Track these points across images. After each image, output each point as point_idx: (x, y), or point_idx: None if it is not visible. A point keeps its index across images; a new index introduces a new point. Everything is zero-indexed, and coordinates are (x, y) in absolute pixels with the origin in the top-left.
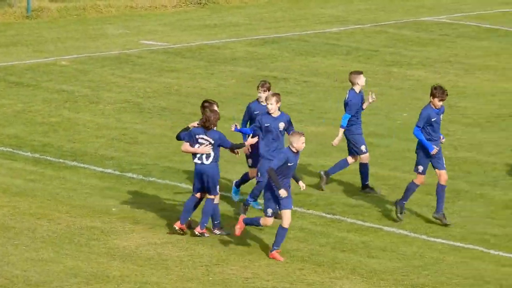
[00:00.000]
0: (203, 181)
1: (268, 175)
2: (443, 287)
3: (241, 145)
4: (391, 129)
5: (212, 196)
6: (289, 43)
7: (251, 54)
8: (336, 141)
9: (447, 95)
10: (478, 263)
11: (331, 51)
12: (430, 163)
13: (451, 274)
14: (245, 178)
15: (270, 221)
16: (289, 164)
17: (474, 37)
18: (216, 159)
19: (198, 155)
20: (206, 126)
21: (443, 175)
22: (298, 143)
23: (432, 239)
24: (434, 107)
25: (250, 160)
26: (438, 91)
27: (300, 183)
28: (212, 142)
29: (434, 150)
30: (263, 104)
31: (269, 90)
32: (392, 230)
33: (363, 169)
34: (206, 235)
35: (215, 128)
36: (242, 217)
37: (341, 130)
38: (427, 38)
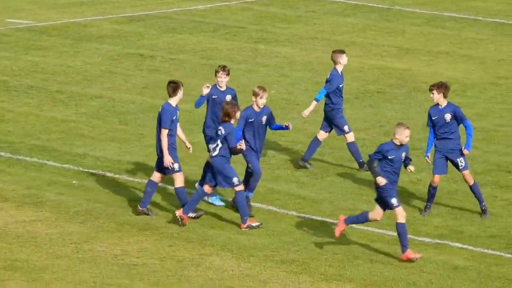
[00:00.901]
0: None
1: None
2: (313, 262)
3: (239, 151)
4: None
5: (237, 189)
6: (155, 21)
7: (118, 32)
8: (306, 112)
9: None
10: (347, 238)
11: (197, 28)
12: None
13: (320, 249)
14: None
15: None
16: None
17: (340, 13)
18: (223, 152)
19: (212, 146)
20: (224, 120)
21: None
22: (402, 135)
23: (302, 215)
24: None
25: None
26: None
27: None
28: (224, 133)
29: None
30: (221, 89)
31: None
32: (262, 207)
33: (352, 148)
34: (254, 224)
35: (232, 122)
36: (342, 217)
37: (314, 103)
38: (294, 15)
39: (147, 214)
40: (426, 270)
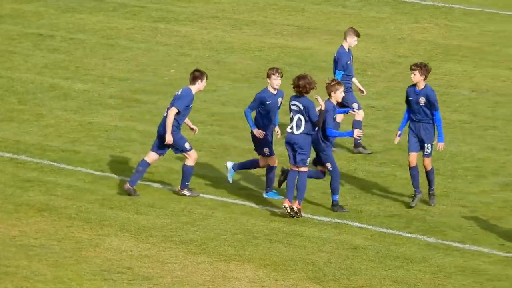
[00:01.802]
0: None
1: None
2: (212, 242)
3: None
4: (157, 86)
5: (304, 169)
6: (55, 0)
7: (17, 11)
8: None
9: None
10: (247, 218)
11: (97, 7)
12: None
13: (219, 229)
14: (248, 165)
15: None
16: None
17: None
18: (307, 130)
19: (290, 124)
20: (300, 92)
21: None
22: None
23: (201, 195)
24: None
25: (267, 149)
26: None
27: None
28: (302, 108)
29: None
30: (274, 92)
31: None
32: (161, 187)
33: (357, 126)
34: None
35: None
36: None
37: None
38: None
39: (131, 195)
40: (325, 249)
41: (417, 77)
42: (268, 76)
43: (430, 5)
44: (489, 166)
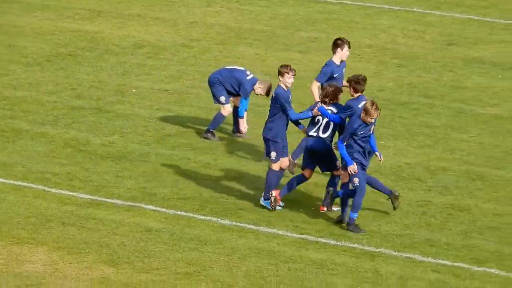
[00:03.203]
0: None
1: None
2: (4, 226)
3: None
4: None
5: (337, 173)
6: None
7: None
8: None
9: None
10: (39, 201)
11: None
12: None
13: (12, 213)
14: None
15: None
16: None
17: None
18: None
19: (314, 128)
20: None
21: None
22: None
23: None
24: None
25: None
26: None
27: None
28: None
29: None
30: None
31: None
32: None
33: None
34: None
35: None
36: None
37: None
38: None
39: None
40: (119, 232)
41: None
42: (281, 74)
43: None
44: None
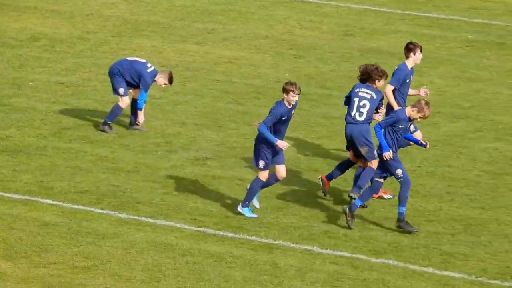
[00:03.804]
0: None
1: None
2: None
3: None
4: None
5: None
6: None
7: None
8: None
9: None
10: None
11: None
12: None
13: None
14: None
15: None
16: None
17: None
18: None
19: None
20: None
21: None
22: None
23: None
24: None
25: (262, 162)
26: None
27: None
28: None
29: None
30: (289, 107)
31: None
32: None
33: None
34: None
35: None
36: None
37: None
38: None
39: None
40: (16, 227)
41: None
42: (286, 92)
43: None
44: (179, 141)
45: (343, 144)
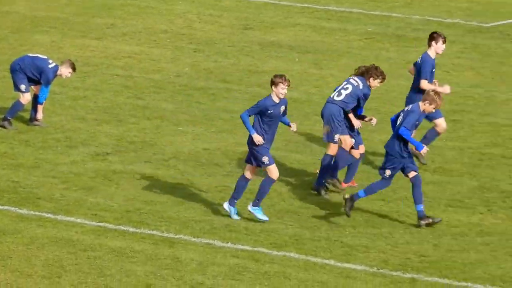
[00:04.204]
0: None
1: None
2: None
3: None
4: None
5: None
6: None
7: None
8: None
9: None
10: None
11: None
12: None
13: None
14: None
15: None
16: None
17: None
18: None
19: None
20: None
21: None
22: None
23: None
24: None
25: (266, 158)
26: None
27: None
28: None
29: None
30: (277, 101)
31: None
32: None
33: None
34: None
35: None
36: None
37: None
38: None
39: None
40: None
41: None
42: (275, 84)
43: None
44: (79, 136)
45: (243, 138)
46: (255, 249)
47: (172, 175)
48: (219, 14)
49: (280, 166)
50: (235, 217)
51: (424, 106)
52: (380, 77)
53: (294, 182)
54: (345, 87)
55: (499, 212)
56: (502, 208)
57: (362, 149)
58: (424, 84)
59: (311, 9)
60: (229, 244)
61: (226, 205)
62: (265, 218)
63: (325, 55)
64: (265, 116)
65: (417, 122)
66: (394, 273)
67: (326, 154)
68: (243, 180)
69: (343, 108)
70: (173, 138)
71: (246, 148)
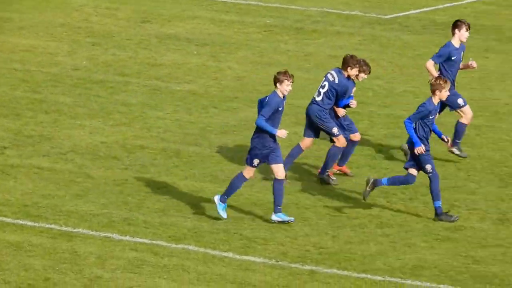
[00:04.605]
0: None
1: None
2: None
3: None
4: None
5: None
6: None
7: None
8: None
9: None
10: None
11: None
12: None
13: None
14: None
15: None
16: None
17: None
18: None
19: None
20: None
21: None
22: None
23: None
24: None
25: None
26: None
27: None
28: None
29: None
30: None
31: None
32: None
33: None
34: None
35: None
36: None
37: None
38: None
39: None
40: None
41: None
42: (279, 81)
43: None
44: None
45: (142, 130)
46: (154, 242)
47: (70, 168)
48: (116, 7)
49: (179, 158)
50: (222, 213)
51: (436, 96)
52: (357, 65)
53: (192, 175)
54: (323, 84)
55: (398, 204)
56: (401, 199)
57: (357, 136)
58: (429, 63)
59: (209, 2)
60: (127, 237)
61: (216, 198)
62: (290, 218)
63: (223, 47)
64: (273, 114)
65: (431, 117)
66: (293, 265)
67: (334, 146)
68: (241, 180)
69: (325, 109)
70: (70, 132)
71: (144, 142)
